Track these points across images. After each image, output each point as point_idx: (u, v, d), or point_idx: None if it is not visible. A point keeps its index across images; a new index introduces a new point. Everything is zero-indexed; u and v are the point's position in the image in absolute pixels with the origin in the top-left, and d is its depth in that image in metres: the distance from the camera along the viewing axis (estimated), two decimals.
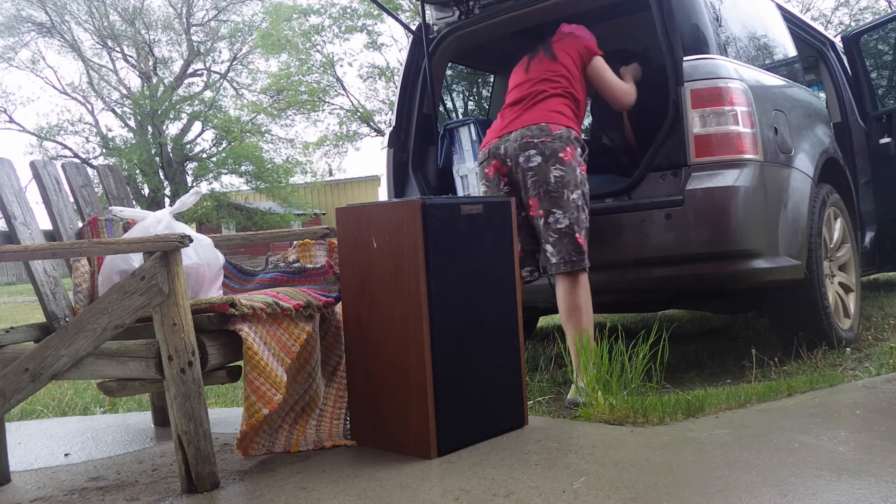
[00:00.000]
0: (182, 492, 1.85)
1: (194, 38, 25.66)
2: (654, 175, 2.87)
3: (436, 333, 2.00)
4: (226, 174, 25.32)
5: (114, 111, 25.41)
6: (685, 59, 2.85)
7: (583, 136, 2.86)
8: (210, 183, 25.00)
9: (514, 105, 2.91)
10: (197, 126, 25.59)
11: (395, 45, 21.48)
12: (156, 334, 1.83)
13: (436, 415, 1.99)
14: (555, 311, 4.24)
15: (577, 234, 2.65)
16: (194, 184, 24.44)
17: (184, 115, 25.28)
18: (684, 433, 2.07)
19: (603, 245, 2.90)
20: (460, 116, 4.74)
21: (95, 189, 2.63)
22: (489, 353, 2.16)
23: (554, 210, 2.66)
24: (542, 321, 5.25)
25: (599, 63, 2.95)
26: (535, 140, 2.71)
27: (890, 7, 17.37)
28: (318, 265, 2.53)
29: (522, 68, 3.04)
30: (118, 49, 25.28)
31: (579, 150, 2.75)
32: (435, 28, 3.76)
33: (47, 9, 23.56)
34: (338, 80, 21.51)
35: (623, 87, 2.98)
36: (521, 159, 2.74)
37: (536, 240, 2.79)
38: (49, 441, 2.61)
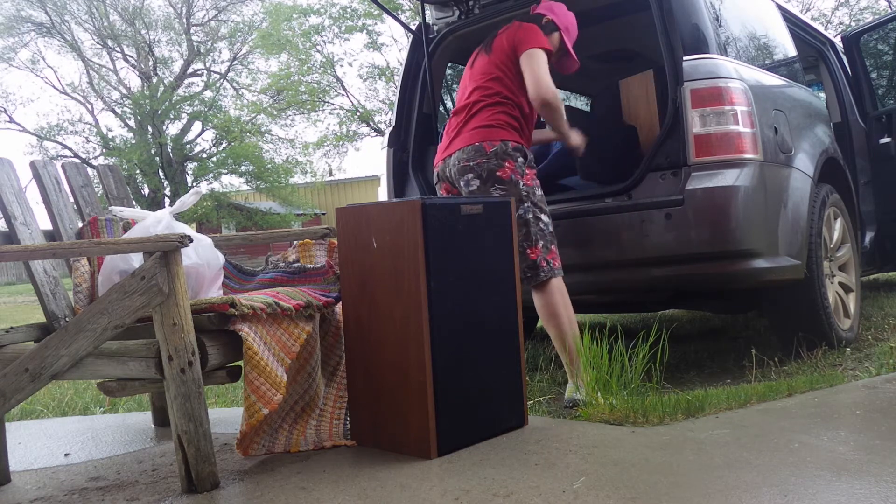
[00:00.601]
0: (182, 492, 1.85)
1: (194, 38, 25.68)
2: (654, 175, 2.87)
3: (436, 333, 1.99)
4: (226, 174, 25.35)
5: (114, 111, 25.43)
6: (685, 58, 2.85)
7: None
8: (210, 183, 25.02)
9: (456, 115, 2.83)
10: (197, 126, 25.63)
11: (395, 45, 21.50)
12: (156, 334, 1.83)
13: (436, 415, 1.99)
14: None
15: (528, 251, 2.60)
16: (194, 184, 24.45)
17: (184, 115, 25.31)
18: (684, 433, 2.07)
19: (603, 245, 2.90)
20: None
21: (95, 189, 2.63)
22: (489, 353, 2.16)
23: None
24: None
25: (527, 56, 2.70)
26: (472, 163, 2.67)
27: (890, 7, 17.37)
28: (318, 265, 2.53)
29: (470, 63, 2.92)
30: (118, 49, 25.29)
31: (521, 159, 2.66)
32: (435, 28, 3.76)
33: (47, 9, 23.56)
34: (338, 80, 21.53)
35: (541, 79, 2.66)
36: (462, 184, 2.71)
37: None
38: (49, 441, 2.61)
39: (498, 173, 2.64)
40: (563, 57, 2.94)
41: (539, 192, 2.70)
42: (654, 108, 3.25)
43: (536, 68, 2.68)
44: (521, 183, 2.65)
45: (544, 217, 2.67)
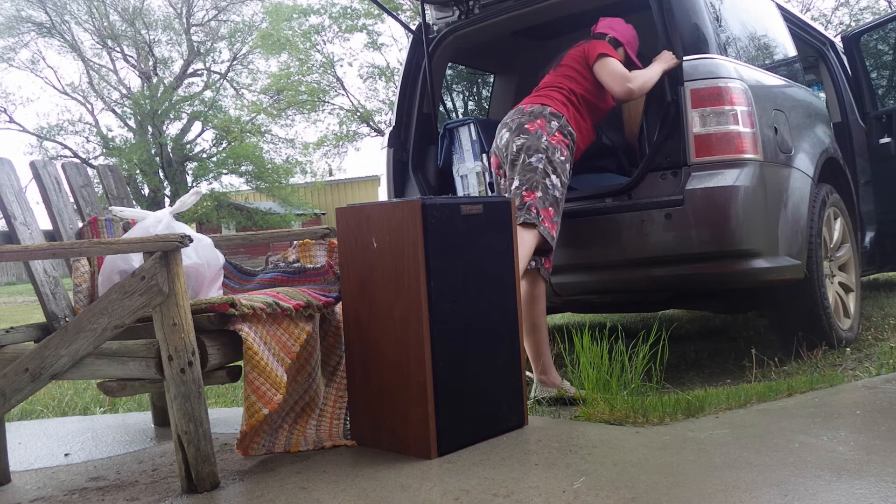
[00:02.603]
0: (182, 492, 1.85)
1: (194, 38, 25.66)
2: (654, 175, 2.87)
3: (436, 333, 1.99)
4: (226, 174, 25.34)
5: (114, 111, 25.42)
6: (685, 58, 2.85)
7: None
8: (210, 183, 25.01)
9: None
10: (197, 126, 25.62)
11: (395, 45, 21.49)
12: (156, 334, 1.83)
13: (436, 415, 1.99)
14: (555, 310, 4.25)
15: (524, 192, 2.67)
16: (194, 184, 24.44)
17: (184, 115, 25.29)
18: (684, 433, 2.07)
19: (603, 245, 2.90)
20: (460, 116, 4.74)
21: (95, 189, 2.63)
22: (489, 353, 2.16)
23: (515, 176, 2.74)
24: None
25: (599, 65, 2.91)
26: (509, 120, 2.84)
27: (890, 7, 17.37)
28: (318, 265, 2.53)
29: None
30: (118, 49, 25.28)
31: (555, 122, 2.76)
32: (435, 28, 3.76)
33: (47, 9, 23.56)
34: (338, 80, 21.52)
35: (616, 82, 2.87)
36: (498, 140, 2.88)
37: None
38: (49, 441, 2.61)
39: (526, 125, 2.76)
40: (631, 69, 2.99)
41: (561, 157, 2.73)
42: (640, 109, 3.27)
43: (609, 74, 2.89)
44: (545, 137, 2.73)
45: (553, 178, 2.69)
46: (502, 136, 2.85)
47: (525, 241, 2.61)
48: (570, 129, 2.79)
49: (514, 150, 2.71)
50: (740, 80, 2.85)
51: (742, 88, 2.82)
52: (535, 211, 2.64)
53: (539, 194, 2.64)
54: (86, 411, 3.22)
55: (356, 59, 31.44)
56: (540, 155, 2.68)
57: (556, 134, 2.74)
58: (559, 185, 2.69)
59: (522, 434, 2.17)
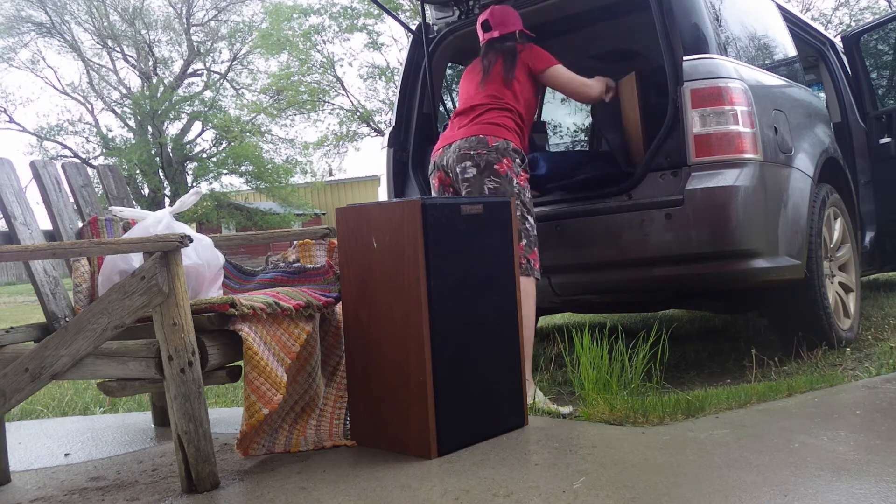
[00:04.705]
0: (182, 492, 1.85)
1: (194, 38, 25.66)
2: (654, 175, 2.87)
3: (436, 333, 1.99)
4: (226, 174, 25.34)
5: (114, 111, 25.41)
6: (685, 58, 2.85)
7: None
8: (210, 183, 25.01)
9: (461, 115, 2.93)
10: (197, 126, 25.61)
11: (395, 45, 21.49)
12: (156, 334, 1.83)
13: (436, 415, 1.99)
14: (555, 311, 4.25)
15: None
16: (194, 184, 24.43)
17: (184, 115, 25.29)
18: (684, 433, 2.07)
19: (603, 245, 2.90)
20: None
21: (95, 189, 2.63)
22: (489, 353, 2.16)
23: None
24: (542, 321, 5.25)
25: (552, 76, 2.94)
26: (472, 152, 2.75)
27: (890, 7, 17.36)
28: (318, 265, 2.53)
29: (477, 76, 2.99)
30: (118, 49, 25.28)
31: (518, 160, 2.76)
32: (435, 28, 3.76)
33: (47, 9, 23.55)
34: (338, 80, 21.51)
35: (581, 83, 2.97)
36: (458, 170, 2.79)
37: None
38: (49, 441, 2.61)
39: (495, 166, 2.72)
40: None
41: (529, 195, 2.78)
42: (637, 111, 3.26)
43: (566, 83, 2.96)
44: (515, 181, 2.73)
45: (531, 219, 2.74)
46: (464, 166, 2.76)
47: (527, 289, 2.64)
48: (526, 162, 2.83)
49: (486, 192, 2.69)
50: (740, 80, 2.85)
51: (742, 88, 2.82)
52: (525, 261, 2.68)
53: (524, 242, 2.69)
54: (86, 411, 3.22)
55: (356, 59, 31.40)
56: (516, 202, 2.70)
57: (522, 173, 2.78)
58: (533, 222, 2.76)
59: (522, 434, 2.17)
